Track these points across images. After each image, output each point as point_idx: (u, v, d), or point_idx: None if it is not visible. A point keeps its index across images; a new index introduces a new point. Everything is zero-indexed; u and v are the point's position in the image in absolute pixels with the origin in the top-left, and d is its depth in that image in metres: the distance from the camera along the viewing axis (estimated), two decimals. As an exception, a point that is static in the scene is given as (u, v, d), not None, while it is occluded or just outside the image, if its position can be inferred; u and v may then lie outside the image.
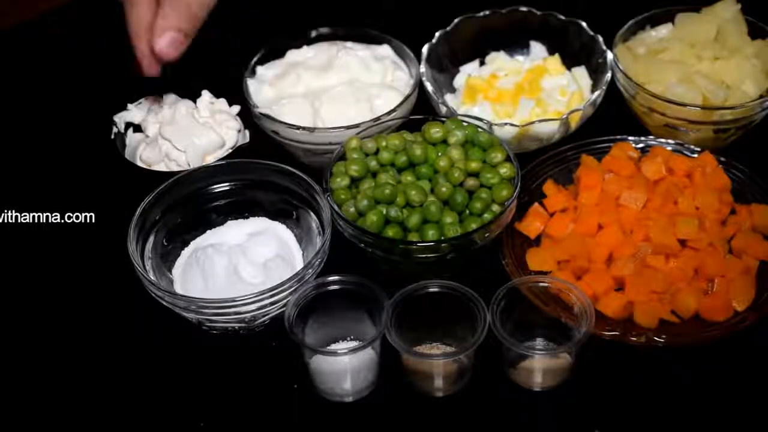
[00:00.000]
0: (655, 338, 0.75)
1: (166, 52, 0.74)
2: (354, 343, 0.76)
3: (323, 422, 0.75)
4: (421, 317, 0.75)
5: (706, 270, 0.79)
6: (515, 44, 0.99)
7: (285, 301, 0.76)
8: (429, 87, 0.92)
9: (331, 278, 0.75)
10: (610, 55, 0.93)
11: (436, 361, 0.73)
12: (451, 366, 0.74)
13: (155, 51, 0.74)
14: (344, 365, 0.73)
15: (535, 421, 0.74)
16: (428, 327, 0.76)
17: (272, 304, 0.76)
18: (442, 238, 0.78)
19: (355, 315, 0.76)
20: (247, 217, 0.85)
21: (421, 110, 0.91)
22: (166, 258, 0.82)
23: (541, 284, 0.76)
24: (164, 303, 0.76)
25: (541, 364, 0.74)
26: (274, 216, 0.85)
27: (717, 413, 0.73)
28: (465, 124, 0.84)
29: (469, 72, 0.97)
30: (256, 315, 0.76)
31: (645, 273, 0.79)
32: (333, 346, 0.77)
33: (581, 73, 0.96)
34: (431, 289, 0.74)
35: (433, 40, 0.96)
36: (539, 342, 0.77)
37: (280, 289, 0.75)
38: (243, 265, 0.80)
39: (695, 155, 0.87)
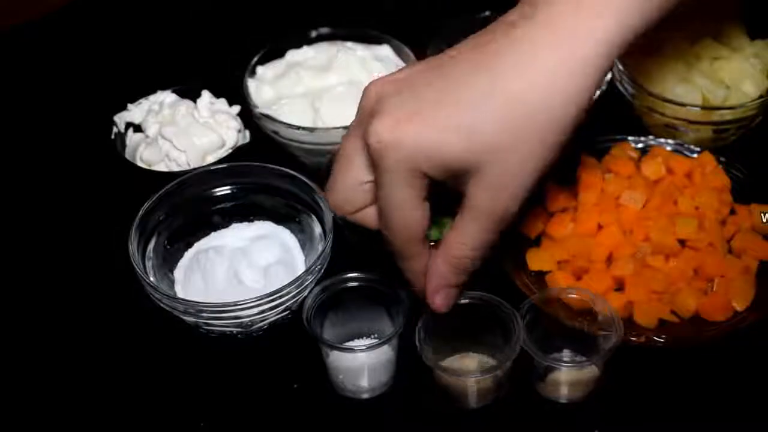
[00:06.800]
0: (655, 338, 0.75)
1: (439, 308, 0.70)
2: (372, 341, 0.76)
3: (324, 422, 0.75)
4: (454, 327, 0.74)
5: (706, 270, 0.79)
6: (515, 44, 0.99)
7: (284, 306, 0.76)
8: (429, 87, 0.92)
9: (349, 275, 0.75)
10: (610, 55, 0.92)
11: (471, 378, 0.73)
12: (486, 381, 0.73)
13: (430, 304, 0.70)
14: (361, 362, 0.73)
15: (533, 421, 0.74)
16: (460, 337, 0.75)
17: (271, 309, 0.75)
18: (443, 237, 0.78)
19: (373, 313, 0.76)
20: (252, 221, 0.85)
21: (421, 110, 0.90)
22: (169, 259, 0.82)
23: (566, 297, 0.75)
24: (162, 305, 0.76)
25: (567, 377, 0.73)
26: (278, 220, 0.85)
27: (717, 413, 0.73)
28: (465, 124, 0.84)
29: (469, 72, 0.97)
30: (255, 320, 0.76)
31: (645, 273, 0.78)
32: (350, 343, 0.76)
33: (581, 73, 0.96)
34: (462, 301, 0.72)
35: (433, 40, 0.96)
36: (566, 353, 0.76)
37: (279, 294, 0.74)
38: (244, 268, 0.80)
39: (695, 155, 0.87)
